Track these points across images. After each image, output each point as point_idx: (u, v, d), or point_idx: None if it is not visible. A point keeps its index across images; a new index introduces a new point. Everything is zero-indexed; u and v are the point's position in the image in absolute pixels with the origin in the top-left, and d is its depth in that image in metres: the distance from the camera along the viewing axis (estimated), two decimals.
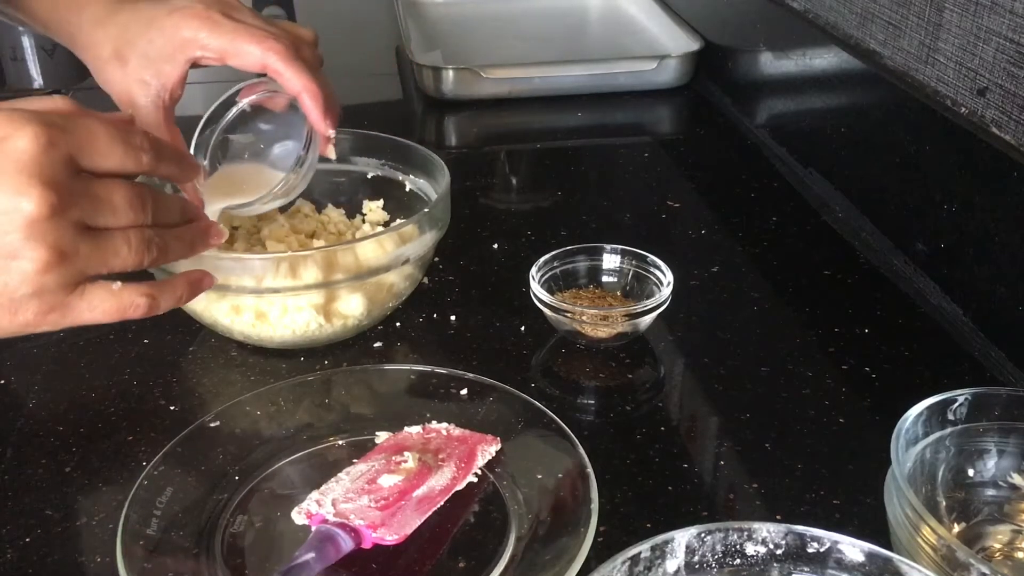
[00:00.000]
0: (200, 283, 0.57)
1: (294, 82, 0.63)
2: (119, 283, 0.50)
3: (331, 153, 0.69)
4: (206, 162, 0.66)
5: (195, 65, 0.65)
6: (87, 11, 0.66)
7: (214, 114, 0.67)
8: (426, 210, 0.70)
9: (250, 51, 0.63)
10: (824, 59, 0.93)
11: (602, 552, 0.52)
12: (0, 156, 0.44)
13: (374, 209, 0.81)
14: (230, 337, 0.71)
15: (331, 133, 0.66)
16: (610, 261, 0.76)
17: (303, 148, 0.65)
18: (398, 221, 0.76)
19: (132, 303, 0.51)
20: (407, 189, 0.80)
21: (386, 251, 0.67)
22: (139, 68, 0.64)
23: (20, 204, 0.44)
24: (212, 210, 0.63)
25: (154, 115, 0.65)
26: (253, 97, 0.68)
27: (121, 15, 0.65)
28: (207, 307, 0.68)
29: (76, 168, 0.47)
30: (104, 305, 0.49)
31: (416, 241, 0.69)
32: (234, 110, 0.67)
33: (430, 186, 0.77)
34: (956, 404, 0.53)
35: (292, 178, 0.65)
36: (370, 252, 0.67)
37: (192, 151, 0.66)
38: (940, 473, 0.54)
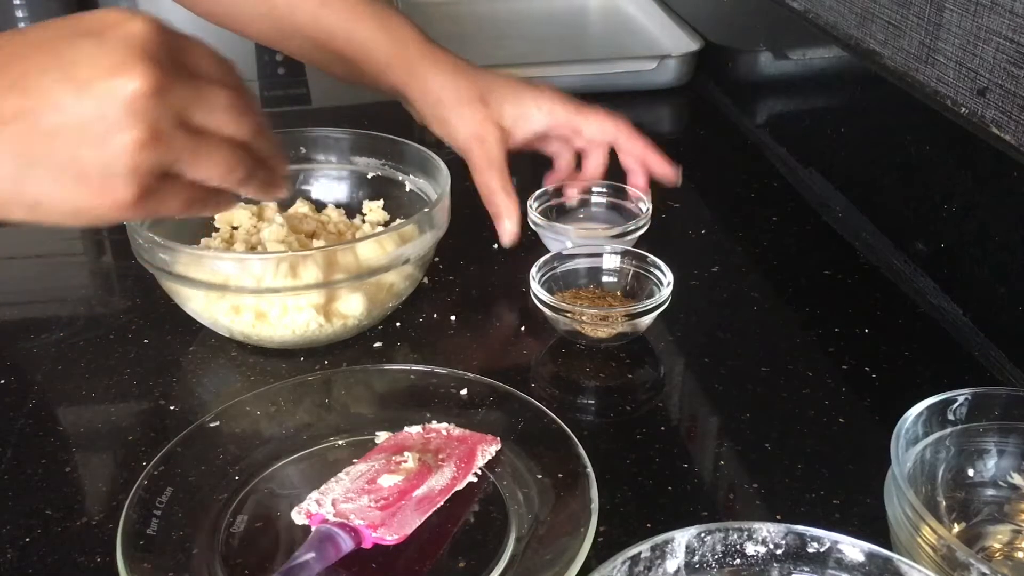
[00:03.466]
0: (272, 187, 0.53)
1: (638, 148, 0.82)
2: None
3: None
4: None
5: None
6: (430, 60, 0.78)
7: None
8: (426, 210, 0.70)
9: (603, 123, 0.82)
10: (824, 59, 0.93)
11: (602, 552, 0.52)
12: (111, 34, 0.44)
13: (374, 209, 0.81)
14: (230, 337, 0.71)
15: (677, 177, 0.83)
16: (610, 261, 0.76)
17: None
18: (398, 221, 0.76)
19: (208, 194, 0.49)
20: (407, 189, 0.80)
21: (386, 251, 0.67)
22: (499, 114, 0.78)
23: (124, 79, 0.43)
24: None
25: (498, 150, 0.77)
26: None
27: (474, 72, 0.79)
28: (207, 307, 0.68)
29: (181, 63, 0.46)
30: (184, 193, 0.48)
31: (416, 241, 0.69)
32: None
33: (430, 186, 0.77)
34: (956, 404, 0.53)
35: None
36: (370, 252, 0.67)
37: None
38: (940, 473, 0.54)
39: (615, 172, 0.85)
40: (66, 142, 0.44)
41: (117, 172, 0.45)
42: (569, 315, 0.70)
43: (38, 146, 0.44)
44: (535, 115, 0.79)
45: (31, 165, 0.44)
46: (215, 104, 0.47)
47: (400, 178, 0.81)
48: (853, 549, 0.43)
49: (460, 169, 0.76)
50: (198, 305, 0.69)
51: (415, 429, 0.62)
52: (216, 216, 0.77)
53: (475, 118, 0.77)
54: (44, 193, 0.45)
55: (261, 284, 0.65)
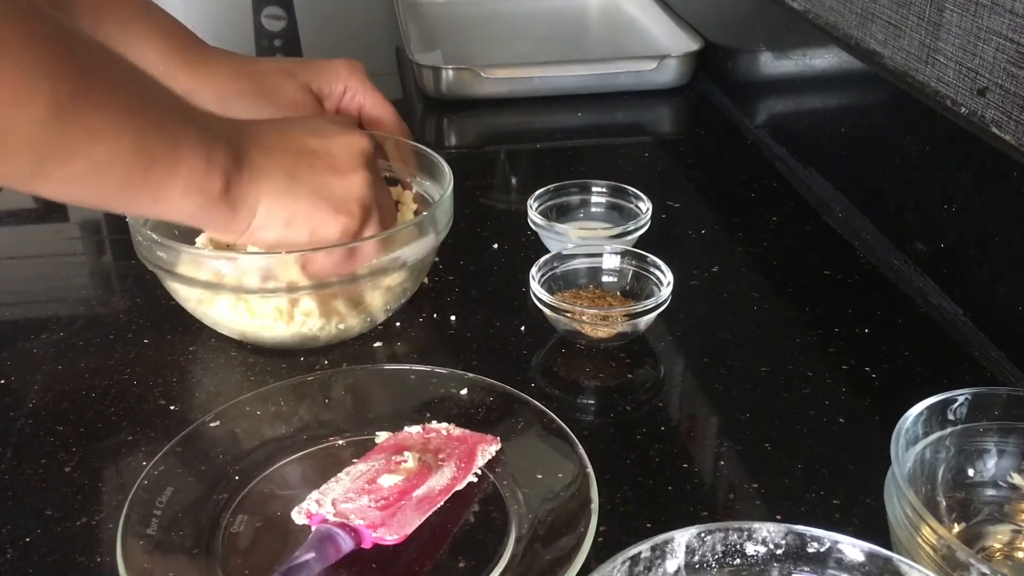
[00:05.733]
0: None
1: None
2: None
3: None
4: None
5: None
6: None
7: None
8: (426, 213, 0.70)
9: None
10: (824, 59, 0.93)
11: (602, 552, 0.52)
12: (339, 120, 0.70)
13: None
14: (230, 337, 0.71)
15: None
16: (610, 261, 0.76)
17: None
18: (400, 222, 0.76)
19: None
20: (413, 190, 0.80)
21: (387, 252, 0.67)
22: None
23: (359, 138, 0.65)
24: None
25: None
26: None
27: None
28: (206, 307, 0.68)
29: None
30: (374, 227, 0.65)
31: (417, 243, 0.69)
32: None
33: (434, 188, 0.77)
34: (956, 404, 0.53)
35: None
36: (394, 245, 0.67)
37: None
38: (940, 473, 0.54)
39: (615, 172, 0.85)
40: (320, 171, 0.62)
41: (352, 199, 0.63)
42: (569, 315, 0.70)
43: (302, 169, 0.61)
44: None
45: (295, 181, 0.61)
46: (384, 186, 0.69)
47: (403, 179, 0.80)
48: (853, 549, 0.43)
49: (460, 169, 0.76)
50: (197, 304, 0.69)
51: (415, 429, 0.62)
52: None
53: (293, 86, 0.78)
54: (300, 208, 0.61)
55: (260, 284, 0.65)
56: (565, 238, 0.79)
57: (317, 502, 0.54)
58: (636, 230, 0.80)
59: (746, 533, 0.44)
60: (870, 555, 0.43)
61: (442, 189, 0.74)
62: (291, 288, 0.65)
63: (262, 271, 0.65)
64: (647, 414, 0.66)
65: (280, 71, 0.77)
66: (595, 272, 0.76)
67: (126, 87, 0.52)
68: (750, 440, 0.63)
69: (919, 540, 0.45)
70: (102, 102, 0.49)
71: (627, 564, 0.42)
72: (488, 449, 0.59)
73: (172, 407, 0.65)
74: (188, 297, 0.69)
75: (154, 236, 0.66)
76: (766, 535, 0.44)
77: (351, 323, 0.70)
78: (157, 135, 0.53)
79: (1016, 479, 0.54)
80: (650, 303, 0.69)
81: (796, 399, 0.66)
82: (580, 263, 0.76)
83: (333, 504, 0.53)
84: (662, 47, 1.26)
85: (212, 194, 0.56)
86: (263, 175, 0.59)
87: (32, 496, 0.58)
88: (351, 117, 0.78)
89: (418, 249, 0.69)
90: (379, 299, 0.70)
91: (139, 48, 0.72)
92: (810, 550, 0.44)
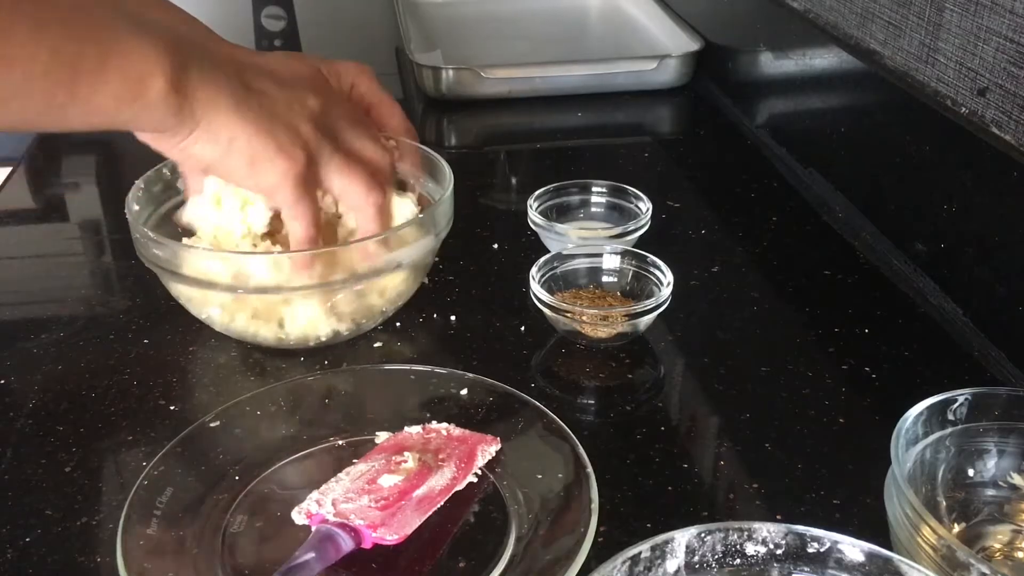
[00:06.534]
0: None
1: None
2: None
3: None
4: None
5: None
6: None
7: None
8: (423, 214, 0.70)
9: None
10: (824, 59, 0.93)
11: (602, 552, 0.52)
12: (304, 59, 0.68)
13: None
14: (230, 336, 0.71)
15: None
16: (610, 261, 0.76)
17: None
18: (401, 223, 0.76)
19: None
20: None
21: (388, 253, 0.67)
22: None
23: (311, 79, 0.65)
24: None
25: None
26: None
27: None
28: (205, 306, 0.68)
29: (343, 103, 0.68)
30: (338, 163, 0.64)
31: (418, 243, 0.69)
32: None
33: (436, 189, 0.77)
34: (956, 404, 0.53)
35: None
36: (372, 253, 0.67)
37: None
38: (940, 473, 0.54)
39: (615, 172, 0.85)
40: (270, 100, 0.60)
41: (295, 131, 0.60)
42: (569, 315, 0.70)
43: (252, 96, 0.59)
44: None
45: (249, 96, 0.59)
46: (361, 134, 0.67)
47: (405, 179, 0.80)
48: (853, 549, 0.43)
49: (460, 169, 0.76)
50: (196, 304, 0.69)
51: (415, 429, 0.62)
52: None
53: None
54: (246, 132, 0.59)
55: (260, 284, 0.65)
56: (565, 238, 0.79)
57: (317, 502, 0.54)
58: (636, 230, 0.80)
59: (746, 533, 0.44)
60: (870, 555, 0.43)
61: (443, 190, 0.74)
62: (291, 288, 0.65)
63: (263, 271, 0.65)
64: (647, 414, 0.66)
65: (290, 56, 0.77)
66: (595, 272, 0.76)
67: (44, 3, 0.49)
68: (750, 440, 0.63)
69: (919, 540, 0.45)
70: (6, 24, 0.47)
71: (627, 564, 0.42)
72: (488, 449, 0.59)
73: (172, 407, 0.65)
74: (188, 296, 0.69)
75: (148, 233, 0.66)
76: (766, 535, 0.44)
77: (351, 323, 0.70)
78: (80, 44, 0.50)
79: (1016, 479, 0.54)
80: (650, 303, 0.69)
81: (796, 399, 0.66)
82: (580, 263, 0.76)
83: (333, 504, 0.53)
84: (662, 47, 1.26)
85: (151, 97, 0.54)
86: (212, 84, 0.57)
87: (32, 496, 0.58)
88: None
89: (417, 249, 0.69)
90: (379, 299, 0.70)
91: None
92: (810, 550, 0.44)
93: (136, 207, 0.70)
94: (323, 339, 0.70)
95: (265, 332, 0.68)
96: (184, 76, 0.56)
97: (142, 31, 0.54)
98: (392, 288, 0.71)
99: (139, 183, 0.72)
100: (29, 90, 0.49)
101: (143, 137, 0.61)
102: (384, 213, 0.67)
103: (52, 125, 0.55)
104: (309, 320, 0.68)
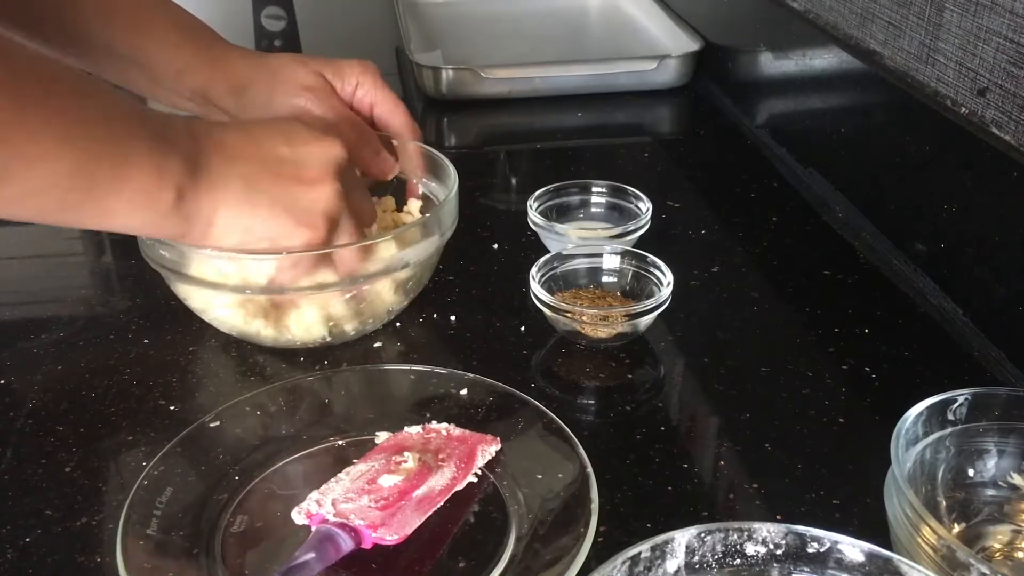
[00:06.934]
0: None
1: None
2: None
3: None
4: None
5: None
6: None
7: None
8: (429, 214, 0.70)
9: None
10: (824, 59, 0.93)
11: (602, 552, 0.52)
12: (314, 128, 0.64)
13: (414, 212, 0.79)
14: (231, 336, 0.71)
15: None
16: (610, 261, 0.76)
17: None
18: (403, 224, 0.76)
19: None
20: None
21: (391, 254, 0.67)
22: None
23: (331, 146, 0.62)
24: None
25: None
26: None
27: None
28: (206, 307, 0.68)
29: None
30: (349, 228, 0.64)
31: (421, 244, 0.69)
32: None
33: (440, 189, 0.77)
34: (956, 404, 0.53)
35: None
36: (377, 252, 0.67)
37: None
38: (940, 473, 0.54)
39: (615, 172, 0.85)
40: (285, 180, 0.60)
41: (317, 211, 0.61)
42: (569, 315, 0.70)
43: (265, 178, 0.59)
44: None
45: (255, 191, 0.59)
46: (363, 193, 0.68)
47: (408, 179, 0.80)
48: (853, 549, 0.43)
49: (460, 169, 0.76)
50: (198, 304, 0.69)
51: (415, 429, 0.62)
52: None
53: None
54: (259, 218, 0.59)
55: (261, 284, 0.65)
56: (565, 238, 0.79)
57: (317, 502, 0.54)
58: (636, 230, 0.80)
59: (746, 533, 0.44)
60: (870, 555, 0.43)
61: (447, 190, 0.74)
62: (293, 289, 0.65)
63: (265, 271, 0.65)
64: (647, 414, 0.66)
65: (294, 60, 0.77)
66: (595, 272, 0.76)
67: (68, 107, 0.51)
68: (750, 440, 0.63)
69: (919, 540, 0.45)
70: (37, 127, 0.49)
71: (627, 564, 0.42)
72: (488, 449, 0.59)
73: (172, 407, 0.65)
74: (190, 296, 0.69)
75: None
76: (766, 535, 0.44)
77: (353, 324, 0.70)
78: (99, 154, 0.52)
79: (1016, 479, 0.54)
80: (650, 303, 0.69)
81: (796, 399, 0.66)
82: (580, 263, 0.76)
83: (333, 504, 0.53)
84: (662, 47, 1.26)
85: (161, 208, 0.55)
86: (221, 186, 0.58)
87: (32, 496, 0.58)
88: (360, 116, 0.77)
89: (422, 250, 0.69)
90: (382, 300, 0.70)
91: (152, 43, 0.71)
92: (810, 550, 0.44)
93: None
94: (329, 339, 0.70)
95: (266, 332, 0.68)
96: (194, 185, 0.56)
97: (159, 142, 0.55)
98: (399, 288, 0.71)
99: None
100: (49, 190, 0.51)
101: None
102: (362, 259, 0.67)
103: (68, 223, 0.56)
104: (315, 320, 0.68)
